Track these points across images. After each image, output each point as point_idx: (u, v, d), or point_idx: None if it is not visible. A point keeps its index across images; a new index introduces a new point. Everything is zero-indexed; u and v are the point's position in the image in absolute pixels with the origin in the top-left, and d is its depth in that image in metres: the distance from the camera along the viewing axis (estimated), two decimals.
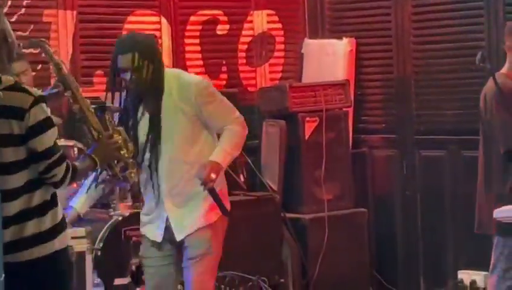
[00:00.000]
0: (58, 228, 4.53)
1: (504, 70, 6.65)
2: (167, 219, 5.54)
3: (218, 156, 5.36)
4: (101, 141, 5.03)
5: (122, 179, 5.25)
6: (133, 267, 6.93)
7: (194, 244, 5.77)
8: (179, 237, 5.80)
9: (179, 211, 5.49)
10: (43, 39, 5.34)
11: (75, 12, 8.05)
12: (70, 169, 4.53)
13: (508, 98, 6.45)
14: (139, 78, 5.36)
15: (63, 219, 4.61)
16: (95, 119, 5.09)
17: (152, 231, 5.88)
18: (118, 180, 5.43)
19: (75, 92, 5.00)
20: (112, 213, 7.09)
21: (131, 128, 5.83)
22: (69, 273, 4.76)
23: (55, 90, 5.52)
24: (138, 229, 6.52)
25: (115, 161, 5.15)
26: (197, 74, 8.60)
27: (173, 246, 5.60)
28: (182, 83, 5.83)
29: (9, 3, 7.56)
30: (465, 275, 7.96)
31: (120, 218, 6.97)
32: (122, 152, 5.25)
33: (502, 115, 6.42)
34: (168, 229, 5.61)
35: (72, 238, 6.03)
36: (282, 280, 7.96)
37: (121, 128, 5.39)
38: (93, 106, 5.30)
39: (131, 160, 5.29)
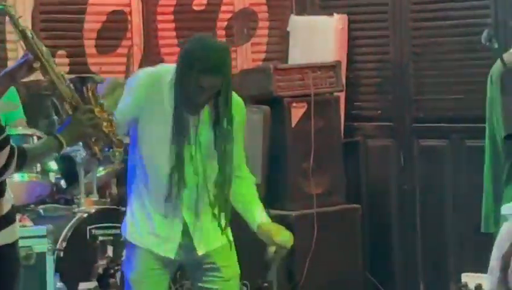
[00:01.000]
0: (1, 222, 4.41)
1: None
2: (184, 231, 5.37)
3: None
4: (74, 116, 4.73)
5: (103, 159, 5.17)
6: (100, 270, 6.89)
7: (227, 263, 5.64)
8: (201, 250, 5.58)
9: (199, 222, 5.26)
10: (3, 3, 5.01)
11: None
12: (16, 153, 4.26)
13: None
14: (217, 101, 5.12)
15: (11, 211, 4.48)
16: (69, 91, 4.78)
17: (160, 245, 5.55)
18: (98, 160, 5.65)
19: (44, 62, 4.69)
20: (76, 210, 6.98)
21: (181, 138, 5.46)
22: (14, 274, 4.57)
23: (23, 60, 4.96)
24: (105, 227, 6.88)
25: (93, 139, 4.84)
26: (171, 54, 8.55)
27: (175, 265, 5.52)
28: (234, 102, 5.53)
29: None
30: (470, 279, 7.40)
31: (85, 215, 6.86)
32: (105, 129, 4.93)
33: (507, 98, 6.10)
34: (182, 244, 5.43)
35: (32, 237, 6.46)
36: (265, 284, 7.70)
37: (104, 102, 5.07)
38: (71, 77, 4.97)
39: (117, 137, 4.99)
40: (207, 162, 5.49)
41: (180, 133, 5.40)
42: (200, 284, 5.58)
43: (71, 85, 4.92)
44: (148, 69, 5.71)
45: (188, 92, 5.32)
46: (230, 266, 5.68)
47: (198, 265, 5.60)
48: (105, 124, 4.92)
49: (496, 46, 6.31)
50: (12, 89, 5.98)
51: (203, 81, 5.14)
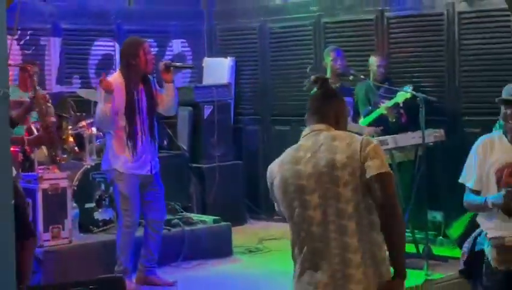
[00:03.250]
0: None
1: None
2: None
3: None
4: (42, 130, 5.22)
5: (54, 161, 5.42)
6: (97, 197, 7.10)
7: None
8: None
9: None
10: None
11: None
12: None
13: None
14: None
15: None
16: (47, 117, 5.26)
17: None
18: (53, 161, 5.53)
19: (41, 108, 5.27)
20: (84, 163, 7.14)
21: None
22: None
23: (28, 110, 5.59)
24: (99, 173, 6.92)
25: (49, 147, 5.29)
26: None
27: None
28: None
29: None
30: None
31: (88, 166, 7.09)
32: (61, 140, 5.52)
33: None
34: None
35: (59, 179, 6.45)
36: (189, 204, 8.30)
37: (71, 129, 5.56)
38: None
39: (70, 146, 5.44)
40: None
41: None
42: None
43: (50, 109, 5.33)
44: None
45: None
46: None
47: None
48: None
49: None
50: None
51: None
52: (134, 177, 6.17)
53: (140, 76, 6.14)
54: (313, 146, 3.44)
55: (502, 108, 4.24)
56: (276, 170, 3.50)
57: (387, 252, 3.36)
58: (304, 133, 3.55)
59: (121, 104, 6.09)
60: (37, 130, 6.36)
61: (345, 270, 3.32)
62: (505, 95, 4.24)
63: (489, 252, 4.10)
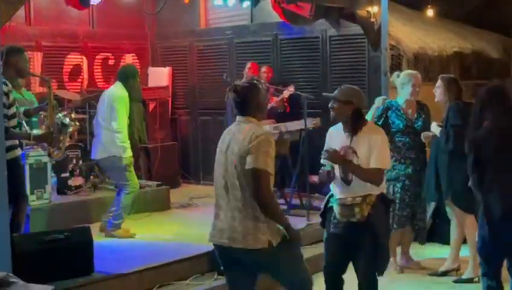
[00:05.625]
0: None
1: None
2: None
3: None
4: (47, 131, 4.86)
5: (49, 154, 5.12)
6: (70, 168, 6.88)
7: None
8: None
9: None
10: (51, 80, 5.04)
11: None
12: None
13: None
14: None
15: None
16: (53, 121, 4.89)
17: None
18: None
19: (51, 113, 4.89)
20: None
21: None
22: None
23: (40, 109, 5.35)
24: (77, 148, 6.86)
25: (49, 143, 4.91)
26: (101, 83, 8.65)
27: None
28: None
29: None
30: None
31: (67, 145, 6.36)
32: (59, 141, 5.07)
33: None
34: None
35: (41, 155, 6.15)
36: (139, 173, 7.59)
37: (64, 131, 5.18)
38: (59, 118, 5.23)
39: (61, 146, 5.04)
40: None
41: None
42: None
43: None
44: None
45: None
46: None
47: None
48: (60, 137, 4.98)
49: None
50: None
51: None
52: None
53: None
54: (231, 132, 3.53)
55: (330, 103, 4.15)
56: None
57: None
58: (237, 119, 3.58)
59: None
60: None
61: (232, 222, 3.45)
62: (334, 94, 4.12)
63: (336, 209, 4.06)
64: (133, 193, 6.03)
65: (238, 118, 3.55)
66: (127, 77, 6.00)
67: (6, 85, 4.51)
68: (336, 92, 4.09)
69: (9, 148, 4.51)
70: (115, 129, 5.86)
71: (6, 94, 4.51)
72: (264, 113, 3.62)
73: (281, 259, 3.46)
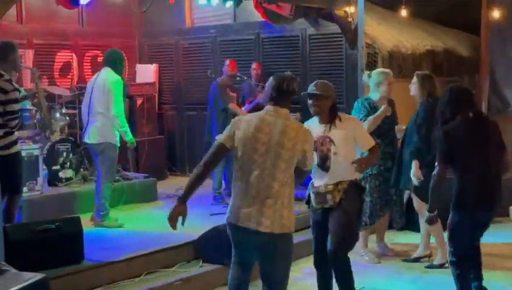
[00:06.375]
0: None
1: None
2: None
3: None
4: (45, 118, 5.43)
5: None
6: (61, 161, 6.74)
7: None
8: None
9: None
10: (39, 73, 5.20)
11: None
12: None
13: None
14: None
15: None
16: (45, 109, 5.28)
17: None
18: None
19: (41, 103, 5.23)
20: (51, 138, 6.78)
21: None
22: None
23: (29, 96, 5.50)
24: (63, 146, 6.71)
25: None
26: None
27: None
28: None
29: None
30: None
31: (55, 140, 6.78)
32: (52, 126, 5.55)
33: None
34: None
35: (32, 149, 6.16)
36: (128, 166, 7.73)
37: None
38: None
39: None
40: None
41: None
42: None
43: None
44: None
45: None
46: None
47: None
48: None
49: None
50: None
51: None
52: None
53: None
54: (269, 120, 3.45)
55: (307, 99, 4.18)
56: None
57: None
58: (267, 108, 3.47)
59: None
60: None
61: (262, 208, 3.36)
62: (309, 90, 4.15)
63: (312, 197, 4.14)
64: (110, 183, 5.94)
65: (271, 107, 3.41)
66: (115, 62, 5.86)
67: (11, 83, 4.54)
68: (314, 89, 4.11)
69: (13, 144, 4.57)
70: (114, 115, 5.72)
71: (18, 90, 4.57)
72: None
73: (288, 247, 3.39)
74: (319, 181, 4.09)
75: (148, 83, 8.79)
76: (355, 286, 4.12)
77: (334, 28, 7.34)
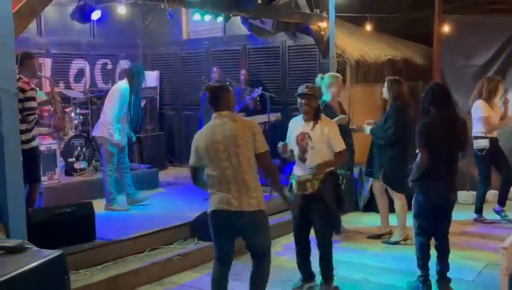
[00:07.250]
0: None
1: None
2: None
3: None
4: (58, 120, 5.11)
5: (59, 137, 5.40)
6: (76, 154, 6.70)
7: None
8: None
9: None
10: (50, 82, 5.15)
11: None
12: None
13: None
14: None
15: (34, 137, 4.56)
16: (59, 111, 5.12)
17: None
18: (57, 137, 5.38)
19: (56, 106, 5.08)
20: (68, 135, 6.73)
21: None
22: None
23: (46, 101, 5.51)
24: (78, 141, 6.61)
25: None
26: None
27: None
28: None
29: None
30: None
31: (70, 136, 6.72)
32: (66, 128, 5.47)
33: None
34: None
35: (51, 143, 6.20)
36: (133, 158, 7.52)
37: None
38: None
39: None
40: None
41: None
42: None
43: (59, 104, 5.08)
44: None
45: None
46: None
47: None
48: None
49: None
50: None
51: None
52: None
53: None
54: (216, 125, 3.41)
55: (298, 99, 4.12)
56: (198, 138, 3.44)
57: None
58: (213, 116, 3.45)
59: None
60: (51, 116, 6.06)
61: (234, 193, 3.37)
62: (300, 90, 4.10)
63: (294, 185, 4.08)
64: (112, 173, 5.84)
65: (214, 114, 3.41)
66: (130, 75, 5.83)
67: (28, 84, 4.44)
68: (306, 90, 4.06)
69: (32, 139, 4.49)
70: (107, 115, 5.78)
71: (35, 89, 4.49)
72: (232, 109, 3.48)
73: (265, 223, 3.45)
74: (299, 172, 4.06)
75: (151, 87, 8.62)
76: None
77: (309, 40, 7.31)
